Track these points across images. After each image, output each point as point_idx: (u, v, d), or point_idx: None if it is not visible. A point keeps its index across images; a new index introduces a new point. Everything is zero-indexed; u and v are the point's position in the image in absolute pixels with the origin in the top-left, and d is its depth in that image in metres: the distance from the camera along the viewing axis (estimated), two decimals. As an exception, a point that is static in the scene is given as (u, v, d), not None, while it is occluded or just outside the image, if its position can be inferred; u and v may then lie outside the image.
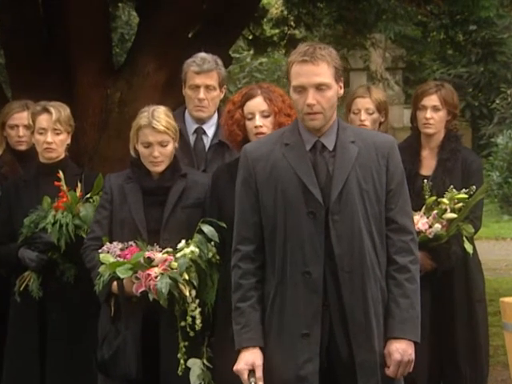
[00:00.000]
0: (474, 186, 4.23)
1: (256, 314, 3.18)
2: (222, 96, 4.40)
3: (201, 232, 3.70)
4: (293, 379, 3.09)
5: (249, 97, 3.74)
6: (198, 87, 4.29)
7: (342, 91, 3.20)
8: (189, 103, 4.35)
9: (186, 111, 4.39)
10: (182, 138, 4.20)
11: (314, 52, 3.10)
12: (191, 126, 4.35)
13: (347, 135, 3.19)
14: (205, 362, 3.76)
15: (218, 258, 3.75)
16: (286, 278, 3.13)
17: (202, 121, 4.35)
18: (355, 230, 3.11)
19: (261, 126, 3.70)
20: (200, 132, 4.36)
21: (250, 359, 3.14)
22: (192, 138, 4.35)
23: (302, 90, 3.12)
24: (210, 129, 4.36)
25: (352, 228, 3.11)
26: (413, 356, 3.13)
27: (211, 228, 3.69)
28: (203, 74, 4.28)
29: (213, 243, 3.72)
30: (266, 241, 3.18)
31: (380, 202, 3.16)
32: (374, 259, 3.13)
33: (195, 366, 3.75)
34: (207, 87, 4.29)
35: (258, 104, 3.72)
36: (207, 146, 4.34)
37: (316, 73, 3.10)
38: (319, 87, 3.11)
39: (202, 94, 4.28)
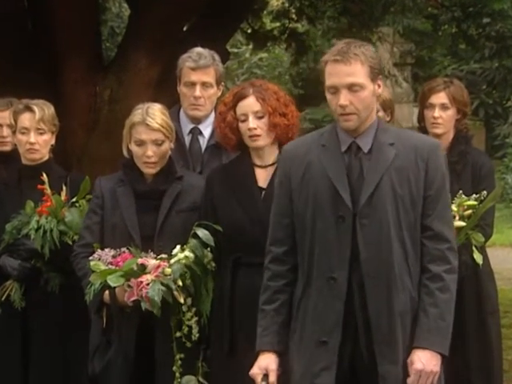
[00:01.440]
0: (485, 192, 4.19)
1: (278, 318, 3.28)
2: (219, 94, 4.38)
3: (196, 236, 3.69)
4: None
5: (240, 97, 3.72)
6: (193, 84, 4.27)
7: (379, 90, 3.26)
8: (184, 101, 4.34)
9: (181, 110, 4.38)
10: (177, 139, 4.17)
11: (347, 51, 3.16)
12: (186, 126, 4.34)
13: (386, 137, 3.25)
14: (200, 379, 3.75)
15: (213, 264, 3.74)
16: (311, 282, 3.22)
17: (197, 120, 4.34)
18: (384, 236, 3.15)
19: (255, 128, 3.69)
20: (196, 132, 4.34)
21: (263, 363, 3.25)
22: (187, 139, 4.34)
23: (334, 90, 3.19)
24: (206, 129, 4.34)
25: (380, 233, 3.16)
26: (437, 368, 3.14)
27: (206, 232, 3.68)
28: (199, 71, 4.27)
29: (209, 249, 3.71)
30: (298, 243, 3.27)
31: (416, 208, 3.20)
32: (404, 267, 3.17)
33: (190, 383, 3.74)
34: (204, 84, 4.28)
35: (250, 104, 3.70)
36: (203, 147, 4.33)
37: (348, 73, 3.16)
38: (352, 88, 3.17)
39: (198, 91, 4.27)
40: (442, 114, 4.45)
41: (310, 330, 3.21)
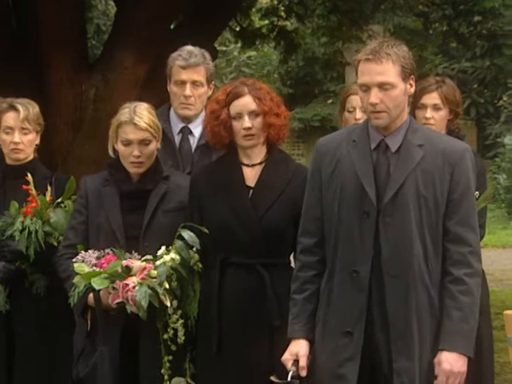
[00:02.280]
0: (477, 192, 4.21)
1: (308, 307, 3.42)
2: (210, 93, 4.36)
3: (181, 238, 3.69)
4: (332, 376, 3.33)
5: (235, 96, 3.72)
6: (183, 83, 4.27)
7: (412, 90, 3.37)
8: (174, 100, 4.33)
9: (171, 109, 4.37)
10: (167, 138, 4.18)
11: (379, 50, 3.29)
12: (176, 126, 4.33)
13: (416, 137, 3.36)
14: (189, 380, 3.76)
15: (200, 265, 3.74)
16: (335, 274, 3.37)
17: (188, 120, 4.33)
18: (405, 235, 3.28)
19: (250, 128, 3.70)
20: (186, 132, 4.33)
21: (294, 350, 3.39)
22: (177, 138, 4.32)
23: (366, 88, 3.32)
24: (196, 128, 4.33)
25: (403, 232, 3.28)
26: (464, 368, 3.28)
27: (192, 234, 3.67)
28: (190, 69, 4.27)
29: (195, 249, 3.71)
30: (325, 235, 3.42)
31: (439, 210, 3.31)
32: (424, 267, 3.28)
33: (180, 385, 3.75)
34: (194, 83, 4.27)
35: (246, 104, 3.71)
36: (193, 146, 4.32)
37: (379, 72, 3.29)
38: (383, 86, 3.29)
39: (188, 90, 4.26)
40: (434, 114, 4.45)
41: (334, 320, 3.36)
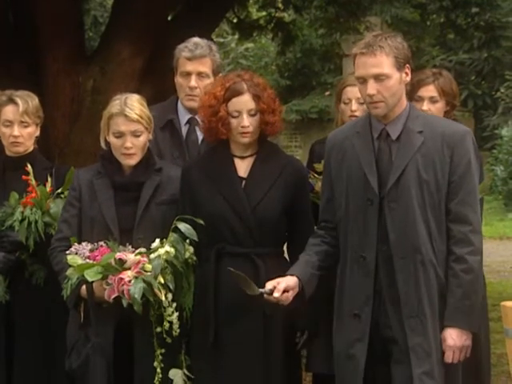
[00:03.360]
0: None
1: (307, 258, 3.64)
2: None
3: (177, 230, 3.70)
4: (343, 356, 3.56)
5: (235, 93, 3.73)
6: (189, 74, 4.27)
7: (408, 78, 3.54)
8: (180, 92, 4.33)
9: (179, 101, 4.38)
10: (174, 129, 4.22)
11: (372, 44, 3.47)
12: (183, 117, 4.32)
13: (416, 124, 3.53)
14: (185, 371, 3.78)
15: (194, 258, 3.76)
16: (346, 260, 3.58)
17: (194, 111, 4.29)
18: (410, 218, 3.46)
19: (248, 126, 3.73)
20: (193, 123, 4.32)
21: (279, 280, 3.56)
22: (184, 129, 4.32)
23: (363, 80, 3.50)
24: None
25: (407, 215, 3.46)
26: (468, 343, 3.49)
27: (188, 226, 3.69)
28: (195, 61, 4.27)
29: (188, 241, 3.71)
30: (337, 224, 3.63)
31: (440, 192, 3.47)
32: (429, 247, 3.46)
33: (177, 377, 3.77)
34: (199, 74, 4.27)
35: (246, 102, 3.73)
36: (200, 137, 4.30)
37: (374, 64, 3.47)
38: (378, 77, 3.47)
39: (193, 81, 4.26)
40: (431, 106, 4.45)
41: (346, 304, 3.57)
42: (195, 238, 3.69)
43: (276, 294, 3.53)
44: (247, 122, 3.72)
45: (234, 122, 3.74)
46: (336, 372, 3.64)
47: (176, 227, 3.70)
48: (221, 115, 3.74)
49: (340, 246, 3.62)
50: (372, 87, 3.47)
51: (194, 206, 3.78)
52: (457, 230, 3.47)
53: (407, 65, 3.53)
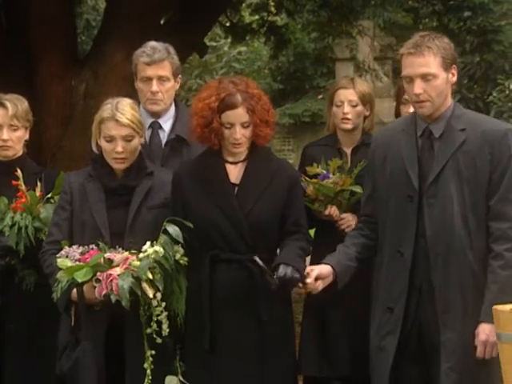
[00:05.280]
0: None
1: (345, 249, 3.77)
2: (177, 87, 4.40)
3: (166, 232, 3.69)
4: (375, 348, 3.69)
5: (229, 106, 3.70)
6: (150, 79, 4.29)
7: (454, 79, 3.63)
8: (142, 97, 4.35)
9: (141, 105, 4.37)
10: None
11: (420, 44, 3.55)
12: (146, 121, 4.32)
13: (459, 123, 3.61)
14: (181, 378, 3.76)
15: (186, 259, 3.74)
16: (384, 255, 3.69)
17: (157, 115, 4.36)
18: (448, 214, 3.53)
19: (240, 138, 3.71)
20: (156, 127, 4.37)
21: (314, 267, 3.71)
22: (147, 133, 4.34)
23: (409, 80, 3.59)
24: (166, 123, 4.36)
25: (445, 212, 3.54)
26: None
27: (176, 228, 3.67)
28: (155, 65, 4.28)
29: (181, 243, 3.70)
30: (378, 218, 3.74)
31: (480, 189, 3.54)
32: (466, 244, 3.53)
33: (173, 383, 3.75)
34: (160, 78, 4.29)
35: (240, 116, 3.70)
36: (164, 141, 4.35)
37: (421, 64, 3.55)
38: (425, 77, 3.55)
39: (155, 86, 4.28)
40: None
41: (381, 297, 3.68)
42: (181, 241, 3.67)
43: (308, 280, 3.59)
44: (239, 135, 3.71)
45: (226, 132, 3.73)
46: (370, 363, 3.76)
47: (165, 229, 3.69)
48: (214, 126, 3.72)
49: (378, 241, 3.71)
50: (419, 86, 3.54)
51: (186, 211, 3.76)
52: (496, 227, 3.52)
53: (454, 65, 3.63)
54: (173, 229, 3.67)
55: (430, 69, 3.55)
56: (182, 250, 3.73)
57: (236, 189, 3.76)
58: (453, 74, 3.63)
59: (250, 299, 3.69)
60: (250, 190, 3.74)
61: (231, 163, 3.80)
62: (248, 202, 3.72)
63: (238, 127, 3.71)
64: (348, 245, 3.79)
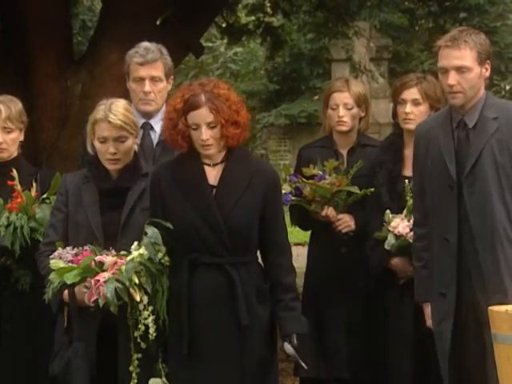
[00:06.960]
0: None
1: (424, 273, 3.92)
2: (169, 87, 4.41)
3: (147, 234, 3.67)
4: (436, 334, 3.85)
5: (193, 106, 3.64)
6: (142, 79, 4.30)
7: (488, 73, 3.80)
8: (134, 97, 4.35)
9: (132, 105, 4.34)
10: None
11: (458, 38, 3.72)
12: (138, 121, 4.34)
13: (491, 112, 3.79)
14: (165, 380, 3.73)
15: (167, 259, 3.70)
16: (433, 242, 3.87)
17: (149, 115, 4.36)
18: (487, 200, 3.72)
19: (207, 139, 3.66)
20: (147, 127, 4.36)
21: (428, 311, 3.95)
22: (139, 134, 4.34)
23: (444, 71, 3.76)
24: (157, 124, 4.34)
25: (484, 198, 3.72)
26: None
27: (156, 230, 3.65)
28: (147, 65, 4.29)
29: (161, 243, 3.67)
30: (427, 208, 3.90)
31: None
32: (508, 226, 3.73)
33: (157, 386, 3.75)
34: (152, 79, 4.30)
35: (203, 116, 3.64)
36: (155, 141, 4.35)
37: (457, 56, 3.73)
38: (459, 69, 3.73)
39: (147, 86, 4.29)
40: (414, 109, 4.48)
41: (434, 283, 3.85)
42: (160, 243, 3.64)
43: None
44: (206, 136, 3.65)
45: (194, 134, 3.68)
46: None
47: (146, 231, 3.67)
48: (180, 128, 3.68)
49: (429, 227, 3.87)
50: (453, 78, 3.71)
51: (165, 212, 3.72)
52: None
53: (488, 61, 3.77)
54: (152, 231, 3.65)
55: (465, 62, 3.71)
56: (163, 249, 3.68)
57: (214, 191, 3.71)
58: (486, 69, 3.78)
59: (229, 303, 3.65)
60: (228, 193, 3.69)
61: (209, 165, 3.75)
62: (227, 204, 3.67)
63: (204, 128, 3.65)
64: (424, 264, 3.96)
